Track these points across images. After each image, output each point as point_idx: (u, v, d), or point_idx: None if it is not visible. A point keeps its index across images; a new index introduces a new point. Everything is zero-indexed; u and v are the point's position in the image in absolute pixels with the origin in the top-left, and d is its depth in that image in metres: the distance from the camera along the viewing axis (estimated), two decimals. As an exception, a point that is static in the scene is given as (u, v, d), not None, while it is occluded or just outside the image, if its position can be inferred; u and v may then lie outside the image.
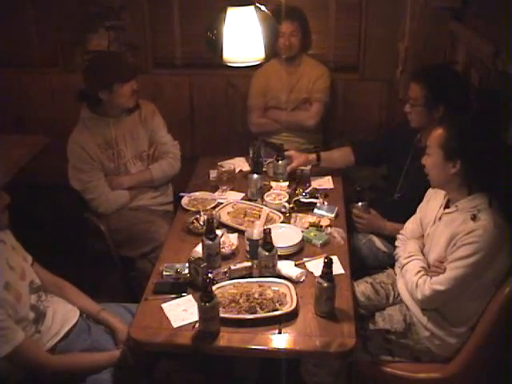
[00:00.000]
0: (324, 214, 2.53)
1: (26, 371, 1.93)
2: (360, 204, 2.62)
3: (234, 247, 2.28)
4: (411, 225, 2.31)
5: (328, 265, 1.89)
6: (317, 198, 2.64)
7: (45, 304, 2.02)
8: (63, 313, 2.05)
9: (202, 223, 2.43)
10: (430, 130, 2.11)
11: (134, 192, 2.87)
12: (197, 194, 2.74)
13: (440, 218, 2.10)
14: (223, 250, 2.24)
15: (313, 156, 2.90)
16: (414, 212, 2.33)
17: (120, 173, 2.84)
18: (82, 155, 2.71)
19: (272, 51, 2.18)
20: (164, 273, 2.13)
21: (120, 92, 2.67)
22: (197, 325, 1.88)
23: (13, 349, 1.79)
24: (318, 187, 2.78)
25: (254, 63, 2.15)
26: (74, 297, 2.16)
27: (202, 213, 2.49)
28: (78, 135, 2.74)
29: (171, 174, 2.95)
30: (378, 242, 2.64)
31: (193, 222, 2.45)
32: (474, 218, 1.92)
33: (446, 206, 2.11)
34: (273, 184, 2.77)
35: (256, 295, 1.98)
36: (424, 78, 2.43)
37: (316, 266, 2.14)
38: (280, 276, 2.10)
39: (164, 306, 1.99)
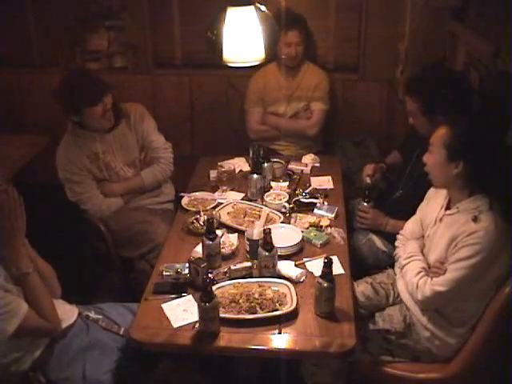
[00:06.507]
0: (324, 214, 2.53)
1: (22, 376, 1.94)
2: (366, 205, 2.63)
3: (233, 247, 2.28)
4: (411, 225, 2.31)
5: (328, 265, 1.89)
6: (317, 198, 2.64)
7: None
8: (60, 313, 2.04)
9: (201, 223, 2.43)
10: None
11: (128, 196, 2.88)
12: (197, 194, 2.74)
13: (441, 219, 2.10)
14: (223, 250, 2.24)
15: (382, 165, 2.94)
16: (415, 209, 2.33)
17: (112, 180, 2.85)
18: (70, 168, 2.72)
19: (272, 52, 2.17)
20: (164, 273, 2.13)
21: (89, 115, 2.64)
22: (197, 325, 1.88)
23: (21, 320, 1.80)
24: (317, 187, 2.78)
25: (254, 63, 2.15)
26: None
27: (201, 213, 2.49)
28: (65, 148, 2.74)
29: (163, 178, 2.95)
30: (377, 242, 2.64)
31: (193, 222, 2.45)
32: (475, 219, 1.92)
33: (447, 207, 2.10)
34: (273, 184, 2.77)
35: (256, 295, 1.98)
36: (414, 91, 2.43)
37: (316, 266, 2.14)
38: (280, 276, 2.10)
39: (164, 306, 1.99)
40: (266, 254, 2.07)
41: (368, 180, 2.85)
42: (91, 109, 2.62)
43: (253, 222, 2.47)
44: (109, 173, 2.82)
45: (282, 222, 2.46)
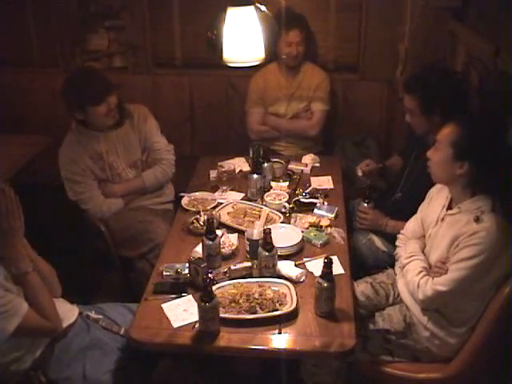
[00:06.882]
0: (324, 214, 2.53)
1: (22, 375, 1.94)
2: (366, 205, 2.63)
3: (234, 247, 2.28)
4: (412, 225, 2.30)
5: (328, 265, 1.89)
6: (317, 198, 2.64)
7: None
8: (61, 312, 2.04)
9: (202, 223, 2.43)
10: (435, 133, 2.09)
11: (129, 197, 2.87)
12: (197, 194, 2.74)
13: (443, 219, 2.10)
14: (223, 250, 2.24)
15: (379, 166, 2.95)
16: (415, 211, 2.32)
17: (114, 181, 2.84)
18: (72, 167, 2.72)
19: (272, 52, 2.17)
20: (164, 273, 2.13)
21: (93, 113, 2.64)
22: (197, 325, 1.88)
23: (21, 319, 1.80)
24: (317, 187, 2.78)
25: (254, 63, 2.15)
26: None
27: (202, 213, 2.49)
28: (68, 147, 2.74)
29: (164, 180, 2.95)
30: (377, 242, 2.64)
31: (193, 222, 2.45)
32: (477, 219, 1.91)
33: (449, 207, 2.10)
34: (273, 184, 2.77)
35: (256, 295, 1.98)
36: (413, 89, 2.42)
37: (316, 265, 2.14)
38: (280, 276, 2.10)
39: (164, 306, 1.99)
40: (266, 254, 2.07)
41: (360, 173, 2.85)
42: (95, 108, 2.62)
43: (253, 222, 2.47)
44: (111, 173, 2.82)
45: (282, 222, 2.46)
